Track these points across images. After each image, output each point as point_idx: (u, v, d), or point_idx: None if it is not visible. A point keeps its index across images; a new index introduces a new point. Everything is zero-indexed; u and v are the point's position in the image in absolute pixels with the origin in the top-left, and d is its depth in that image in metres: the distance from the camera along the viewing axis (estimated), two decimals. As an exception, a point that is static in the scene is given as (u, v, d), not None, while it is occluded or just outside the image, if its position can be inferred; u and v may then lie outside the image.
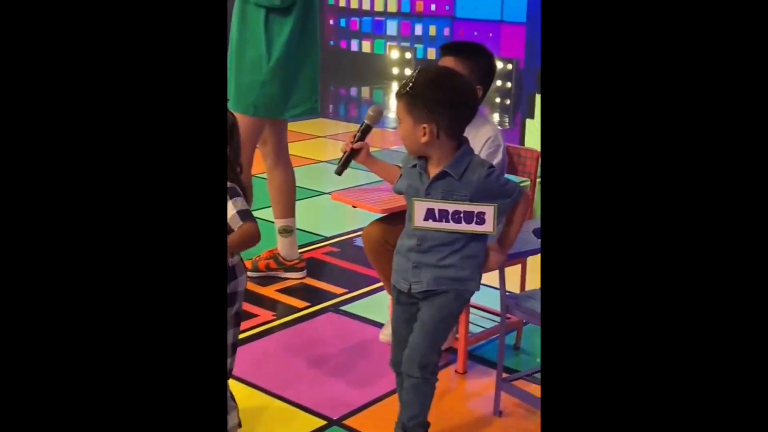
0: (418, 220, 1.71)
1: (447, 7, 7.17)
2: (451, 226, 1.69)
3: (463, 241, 1.70)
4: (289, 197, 2.95)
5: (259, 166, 3.02)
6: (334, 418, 2.05)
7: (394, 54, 7.34)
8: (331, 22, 7.79)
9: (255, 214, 1.65)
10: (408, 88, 1.67)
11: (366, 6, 7.55)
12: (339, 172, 1.95)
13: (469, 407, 2.18)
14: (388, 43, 7.44)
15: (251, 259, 2.95)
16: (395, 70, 7.29)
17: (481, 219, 1.67)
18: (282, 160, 2.92)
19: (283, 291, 2.87)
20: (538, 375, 2.19)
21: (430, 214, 1.69)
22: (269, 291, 2.87)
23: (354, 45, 7.69)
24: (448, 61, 2.21)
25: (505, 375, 2.13)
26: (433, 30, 7.24)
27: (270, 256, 2.98)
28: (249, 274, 2.84)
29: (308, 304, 2.77)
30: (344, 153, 1.93)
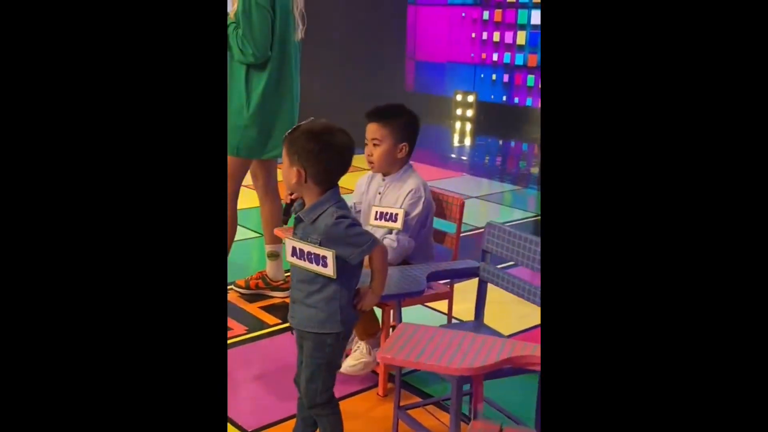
0: (288, 255, 1.95)
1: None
2: (306, 264, 1.90)
3: (321, 282, 1.89)
4: (276, 226, 3.30)
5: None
6: (249, 430, 2.31)
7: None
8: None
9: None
10: (289, 134, 1.93)
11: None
12: (285, 221, 2.13)
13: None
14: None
15: (245, 278, 3.35)
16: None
17: (324, 262, 1.86)
18: (270, 193, 3.30)
19: (264, 308, 3.24)
20: (446, 403, 2.39)
21: (294, 251, 1.92)
22: (252, 307, 3.24)
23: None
24: (372, 127, 2.49)
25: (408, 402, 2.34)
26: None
27: (259, 276, 3.39)
28: (241, 290, 3.26)
29: (279, 321, 3.11)
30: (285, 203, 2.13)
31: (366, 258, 1.93)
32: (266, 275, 3.38)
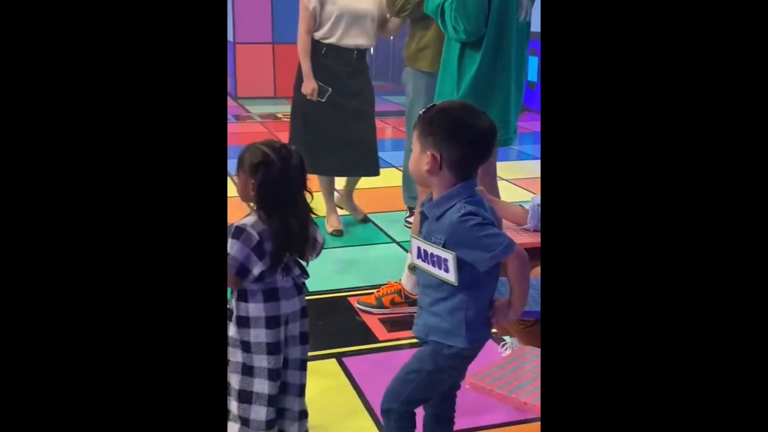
0: (413, 257, 1.68)
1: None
2: (430, 268, 1.61)
3: (448, 290, 1.60)
4: None
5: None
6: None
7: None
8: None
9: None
10: (423, 114, 1.64)
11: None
12: None
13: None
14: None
15: (372, 294, 2.99)
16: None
17: (445, 266, 1.56)
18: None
19: (384, 321, 2.89)
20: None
21: (419, 253, 1.64)
22: (372, 319, 2.90)
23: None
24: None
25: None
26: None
27: (393, 291, 2.95)
28: (373, 310, 2.92)
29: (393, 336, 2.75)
30: None
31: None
32: (402, 289, 2.91)
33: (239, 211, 1.85)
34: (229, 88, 9.40)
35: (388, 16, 3.78)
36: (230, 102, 8.92)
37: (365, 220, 3.87)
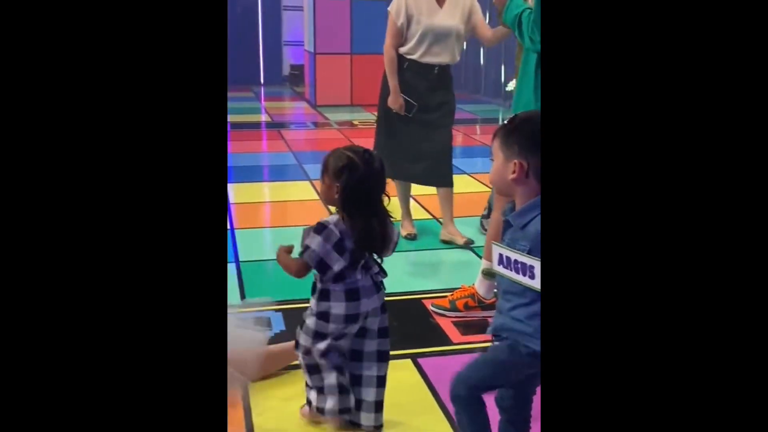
0: (494, 263, 1.70)
1: None
2: (513, 275, 1.63)
3: (530, 296, 1.61)
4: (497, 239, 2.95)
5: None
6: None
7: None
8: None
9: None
10: (507, 124, 1.68)
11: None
12: None
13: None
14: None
15: (446, 297, 3.01)
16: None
17: (531, 273, 1.58)
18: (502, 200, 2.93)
19: (458, 324, 2.92)
20: None
21: (500, 260, 1.67)
22: (446, 321, 2.94)
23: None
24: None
25: None
26: None
27: (467, 294, 2.96)
28: (447, 313, 2.95)
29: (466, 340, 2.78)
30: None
31: None
32: (475, 293, 2.92)
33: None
34: (309, 97, 9.62)
35: (487, 27, 3.81)
36: (309, 109, 9.13)
37: (468, 242, 3.84)
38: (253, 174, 5.65)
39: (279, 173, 5.76)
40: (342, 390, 1.98)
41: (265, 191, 5.27)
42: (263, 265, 3.59)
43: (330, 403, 1.98)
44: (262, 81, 11.89)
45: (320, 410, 2.00)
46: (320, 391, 2.00)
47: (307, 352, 1.98)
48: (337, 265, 1.87)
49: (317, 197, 4.73)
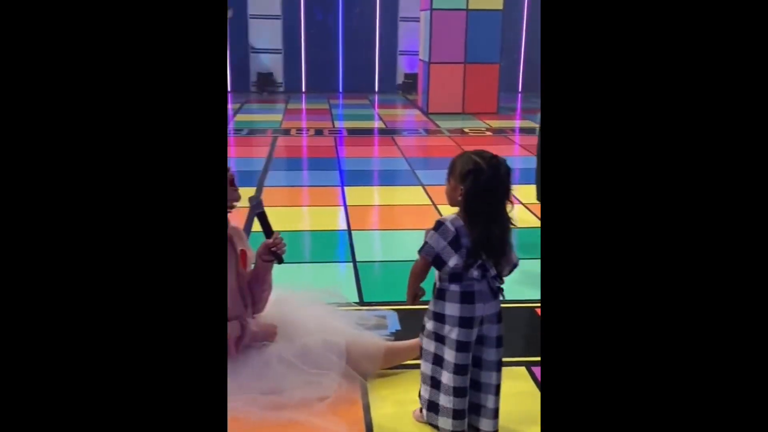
0: None
1: None
2: None
3: None
4: None
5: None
6: None
7: None
8: None
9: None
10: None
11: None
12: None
13: None
14: None
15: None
16: None
17: None
18: None
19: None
20: None
21: None
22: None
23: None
24: None
25: None
26: None
27: None
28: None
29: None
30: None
31: None
32: None
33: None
34: (421, 104, 9.72)
35: None
36: (421, 117, 9.22)
37: None
38: (366, 178, 5.80)
39: (391, 178, 5.89)
40: (458, 393, 2.01)
41: (376, 195, 5.39)
42: (376, 266, 3.68)
43: (444, 401, 2.01)
44: (376, 89, 12.14)
45: (433, 407, 2.03)
46: (436, 387, 2.03)
47: (428, 355, 2.03)
48: (452, 260, 1.91)
49: (429, 202, 4.79)
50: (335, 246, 3.97)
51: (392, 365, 2.46)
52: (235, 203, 2.31)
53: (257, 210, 2.36)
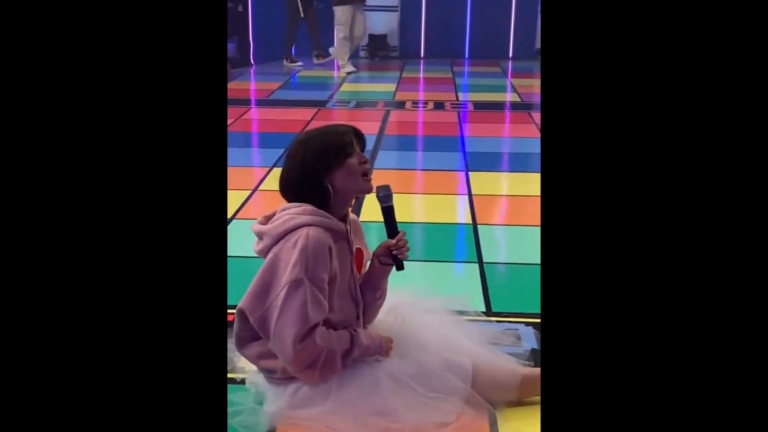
0: None
1: None
2: None
3: None
4: None
5: None
6: None
7: None
8: None
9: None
10: None
11: None
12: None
13: None
14: None
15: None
16: None
17: None
18: None
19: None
20: None
21: None
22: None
23: None
24: None
25: None
26: None
27: None
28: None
29: None
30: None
31: None
32: None
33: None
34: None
35: None
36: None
37: None
38: (494, 162, 5.26)
39: (524, 162, 5.26)
40: None
41: (507, 182, 4.88)
42: (506, 269, 3.24)
43: None
44: (510, 55, 10.35)
45: None
46: None
47: None
48: None
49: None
50: (455, 243, 3.54)
51: (530, 396, 2.05)
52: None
53: (384, 203, 2.03)
